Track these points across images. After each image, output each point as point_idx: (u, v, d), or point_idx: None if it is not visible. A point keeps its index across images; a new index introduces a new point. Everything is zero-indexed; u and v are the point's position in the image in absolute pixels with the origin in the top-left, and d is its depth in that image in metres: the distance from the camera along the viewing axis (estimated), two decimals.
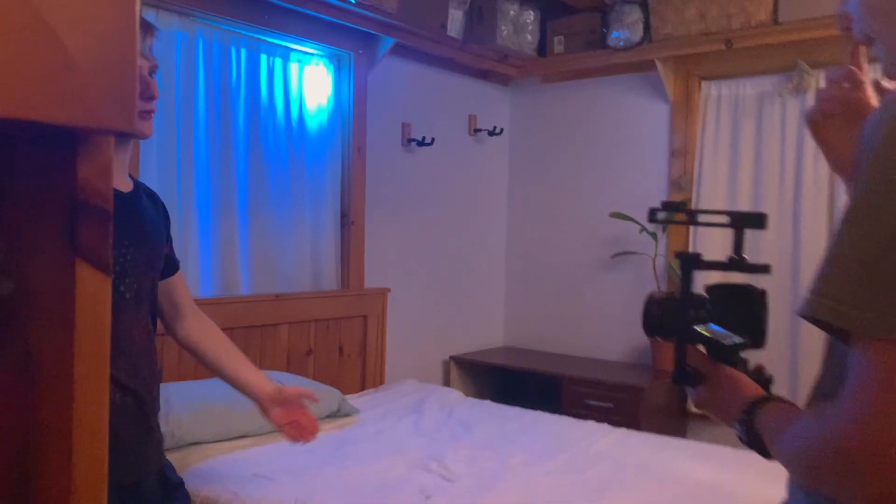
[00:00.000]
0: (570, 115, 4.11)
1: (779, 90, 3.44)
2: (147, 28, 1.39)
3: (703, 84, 3.67)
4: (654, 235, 3.67)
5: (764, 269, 0.92)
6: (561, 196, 4.12)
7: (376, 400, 3.09)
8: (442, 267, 3.92)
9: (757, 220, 0.89)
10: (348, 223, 3.42)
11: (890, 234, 0.62)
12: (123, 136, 1.38)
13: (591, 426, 2.85)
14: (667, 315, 0.95)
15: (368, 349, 3.42)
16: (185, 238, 2.88)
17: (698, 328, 0.92)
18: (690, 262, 0.95)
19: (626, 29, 3.63)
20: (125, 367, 1.41)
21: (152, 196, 1.61)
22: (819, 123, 0.91)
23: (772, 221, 3.47)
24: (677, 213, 0.98)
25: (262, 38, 3.13)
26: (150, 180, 2.76)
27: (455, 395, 3.22)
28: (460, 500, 2.04)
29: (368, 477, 2.18)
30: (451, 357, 3.90)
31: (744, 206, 3.55)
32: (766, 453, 0.84)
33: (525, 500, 2.07)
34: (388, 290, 3.52)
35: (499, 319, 4.33)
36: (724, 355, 0.93)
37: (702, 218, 0.96)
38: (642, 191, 3.84)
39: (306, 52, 3.31)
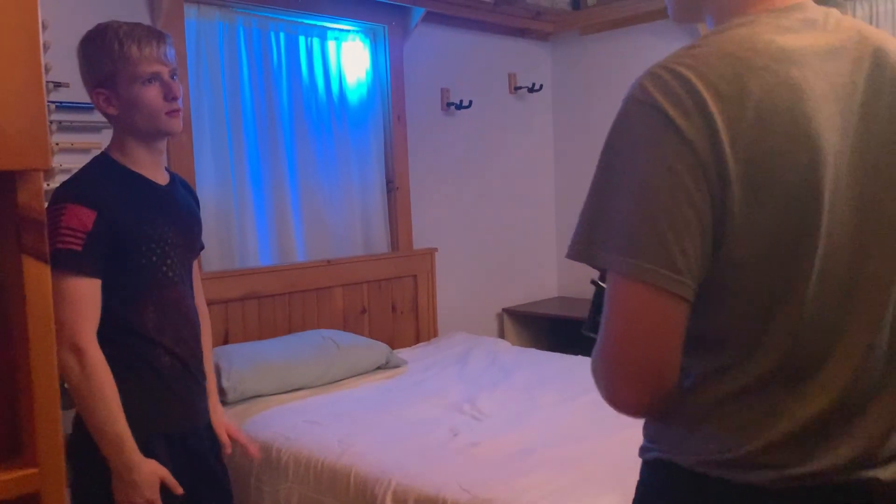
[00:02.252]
0: (610, 65, 4.15)
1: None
2: (160, 37, 1.57)
3: None
4: None
5: None
6: None
7: (426, 352, 3.32)
8: (491, 223, 4.09)
9: None
10: (394, 189, 3.63)
11: (600, 191, 0.79)
12: (155, 136, 1.61)
13: None
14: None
15: (420, 306, 3.65)
16: (242, 213, 3.16)
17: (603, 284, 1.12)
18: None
19: None
20: (171, 335, 1.61)
21: (187, 186, 1.81)
22: None
23: None
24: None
25: (299, 20, 3.34)
26: (206, 164, 3.05)
27: (502, 345, 3.41)
28: (484, 435, 2.24)
29: (406, 419, 2.41)
30: (504, 309, 4.09)
31: None
32: None
33: (546, 434, 2.26)
34: (436, 249, 3.72)
35: (552, 271, 4.47)
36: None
37: None
38: None
39: (342, 30, 3.50)
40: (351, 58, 3.53)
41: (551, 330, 4.20)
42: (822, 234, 0.79)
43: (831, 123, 0.79)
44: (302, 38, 3.37)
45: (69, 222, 1.46)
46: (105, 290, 1.52)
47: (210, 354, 1.82)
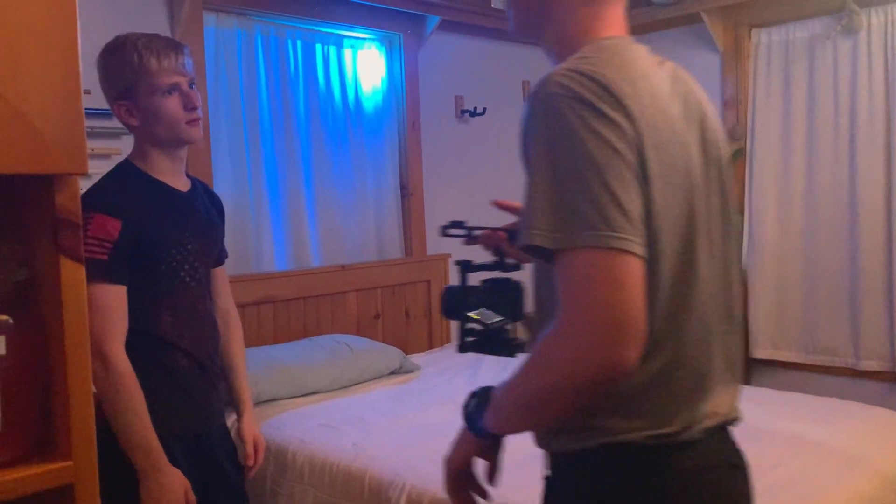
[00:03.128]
0: None
1: (829, 32, 3.39)
2: (178, 48, 1.61)
3: (753, 32, 3.66)
4: None
5: (516, 266, 1.30)
6: None
7: (439, 357, 3.34)
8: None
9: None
10: (408, 195, 3.65)
11: (551, 182, 0.87)
12: (176, 145, 1.65)
13: None
14: (449, 302, 1.32)
15: (433, 312, 3.67)
16: (258, 218, 3.20)
17: (472, 312, 1.26)
18: (465, 266, 1.44)
19: None
20: (190, 338, 1.64)
21: (209, 192, 1.84)
22: None
23: (828, 163, 3.45)
24: (457, 228, 1.39)
25: (316, 28, 3.37)
26: (223, 169, 3.09)
27: None
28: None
29: (419, 423, 2.43)
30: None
31: (799, 150, 3.54)
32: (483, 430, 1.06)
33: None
34: (449, 255, 3.74)
35: None
36: (491, 332, 1.29)
37: (479, 231, 1.35)
38: None
39: (358, 38, 3.53)
40: (366, 65, 3.56)
41: None
42: (699, 214, 0.95)
43: (684, 124, 0.97)
44: (318, 46, 3.40)
45: (96, 232, 1.49)
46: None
47: (243, 358, 1.86)
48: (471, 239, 1.35)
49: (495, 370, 3.10)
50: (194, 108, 1.61)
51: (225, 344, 1.83)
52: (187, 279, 1.65)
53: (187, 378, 1.65)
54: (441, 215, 3.78)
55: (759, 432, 2.22)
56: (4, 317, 0.68)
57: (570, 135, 0.86)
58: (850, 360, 3.43)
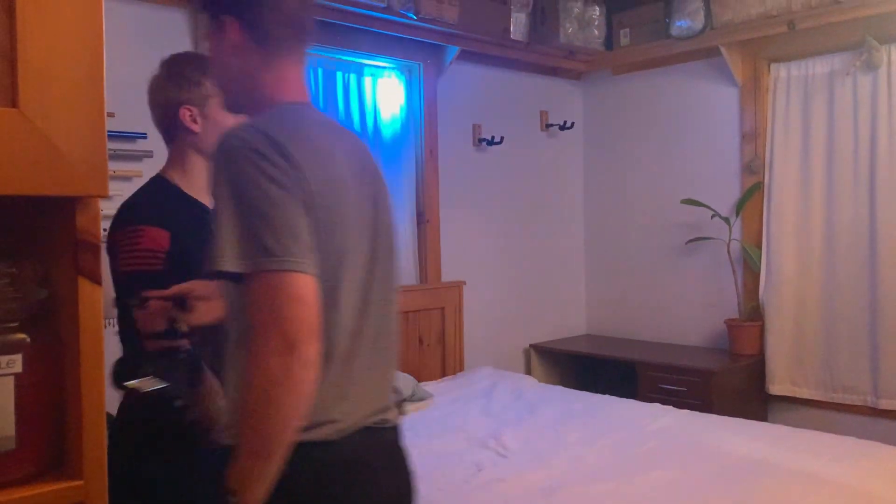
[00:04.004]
0: (641, 104, 4.18)
1: (848, 68, 3.40)
2: None
3: (772, 66, 3.67)
4: (727, 220, 3.71)
5: (185, 335, 1.35)
6: (636, 184, 4.20)
7: (452, 386, 3.32)
8: (520, 258, 4.10)
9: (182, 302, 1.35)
10: (424, 221, 3.67)
11: (235, 216, 1.05)
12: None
13: (654, 408, 2.97)
14: (116, 373, 1.30)
15: (447, 339, 3.66)
16: None
17: (132, 382, 1.28)
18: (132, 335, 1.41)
19: (687, 18, 3.67)
20: (216, 358, 1.65)
21: None
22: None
23: (847, 197, 3.43)
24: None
25: (337, 56, 3.42)
26: None
27: (527, 381, 3.41)
28: (509, 471, 2.24)
29: (430, 452, 2.41)
30: (532, 345, 4.09)
31: (818, 185, 3.52)
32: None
33: (570, 473, 2.24)
34: (464, 282, 3.74)
35: (581, 308, 4.46)
36: (154, 402, 1.30)
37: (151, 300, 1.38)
38: (715, 176, 3.87)
39: (378, 66, 3.57)
40: (386, 93, 3.60)
41: (578, 367, 4.18)
42: (349, 248, 1.15)
43: (356, 181, 1.20)
44: (339, 74, 3.45)
45: (148, 244, 1.47)
46: None
47: None
48: (141, 306, 1.36)
49: (508, 400, 3.09)
50: None
51: None
52: None
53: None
54: (456, 243, 3.79)
55: (776, 470, 2.19)
56: (22, 335, 0.69)
57: (247, 177, 1.07)
58: (868, 399, 3.38)
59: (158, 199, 1.59)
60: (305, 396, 1.05)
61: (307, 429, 1.09)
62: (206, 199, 1.60)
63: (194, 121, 1.58)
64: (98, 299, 0.70)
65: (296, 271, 1.04)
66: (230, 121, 1.49)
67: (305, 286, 1.04)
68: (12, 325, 0.69)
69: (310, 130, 1.19)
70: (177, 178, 1.62)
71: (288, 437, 1.06)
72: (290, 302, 1.03)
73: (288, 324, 1.02)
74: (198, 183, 1.62)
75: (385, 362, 1.25)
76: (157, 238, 1.47)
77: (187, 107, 1.58)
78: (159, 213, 1.53)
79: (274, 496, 1.08)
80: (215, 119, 1.57)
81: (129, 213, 1.54)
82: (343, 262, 1.14)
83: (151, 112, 1.65)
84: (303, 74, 1.29)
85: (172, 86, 1.60)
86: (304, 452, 1.09)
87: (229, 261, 1.05)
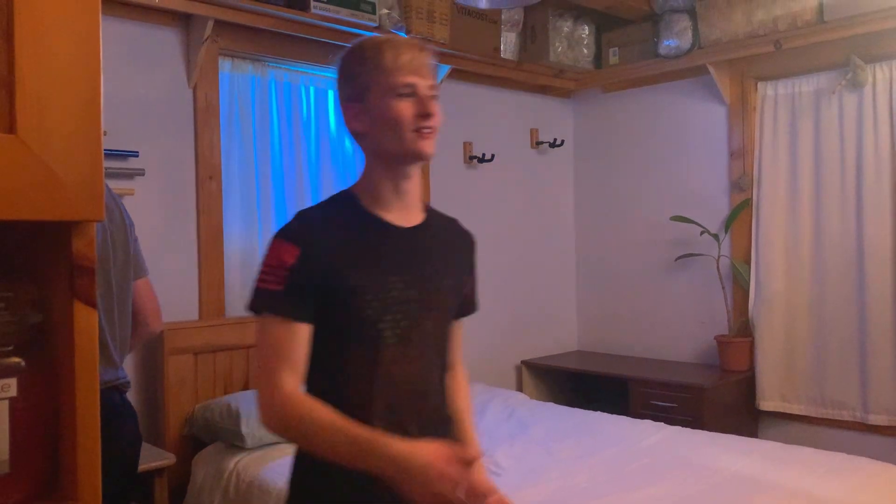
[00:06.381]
0: (630, 122, 4.22)
1: (834, 86, 3.44)
2: (422, 47, 1.37)
3: (759, 84, 3.71)
4: (716, 237, 3.73)
5: None
6: (625, 201, 4.23)
7: None
8: (511, 276, 4.11)
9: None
10: None
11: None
12: (401, 160, 1.33)
13: (646, 424, 2.97)
14: None
15: None
16: None
17: None
18: None
19: (675, 37, 3.72)
20: (383, 404, 1.30)
21: (450, 228, 1.50)
22: None
23: (834, 216, 3.47)
24: None
25: (329, 75, 3.44)
26: (233, 209, 3.12)
27: (519, 398, 3.41)
28: (501, 489, 2.22)
29: None
30: (523, 362, 4.09)
31: (805, 202, 3.56)
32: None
33: (563, 490, 2.24)
34: None
35: (572, 324, 4.47)
36: None
37: None
38: (704, 193, 3.90)
39: None
40: None
41: (570, 384, 4.18)
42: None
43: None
44: (331, 92, 3.46)
45: (269, 260, 1.28)
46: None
47: (469, 412, 1.51)
48: None
49: (500, 417, 3.09)
50: (427, 117, 1.31)
51: (448, 402, 1.48)
52: (385, 332, 1.31)
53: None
54: None
55: (767, 486, 2.20)
56: (17, 359, 0.70)
57: None
58: (858, 414, 3.39)
59: (318, 212, 1.36)
60: None
61: None
62: (393, 215, 1.36)
63: (358, 119, 1.34)
64: (93, 323, 0.70)
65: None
66: (397, 107, 1.30)
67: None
68: (7, 348, 0.69)
69: None
70: (359, 192, 1.38)
71: None
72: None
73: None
74: (380, 194, 1.36)
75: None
76: (282, 254, 1.26)
77: (347, 104, 1.36)
78: (301, 227, 1.31)
79: None
80: (377, 109, 1.31)
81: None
82: None
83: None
84: None
85: (338, 83, 1.39)
86: None
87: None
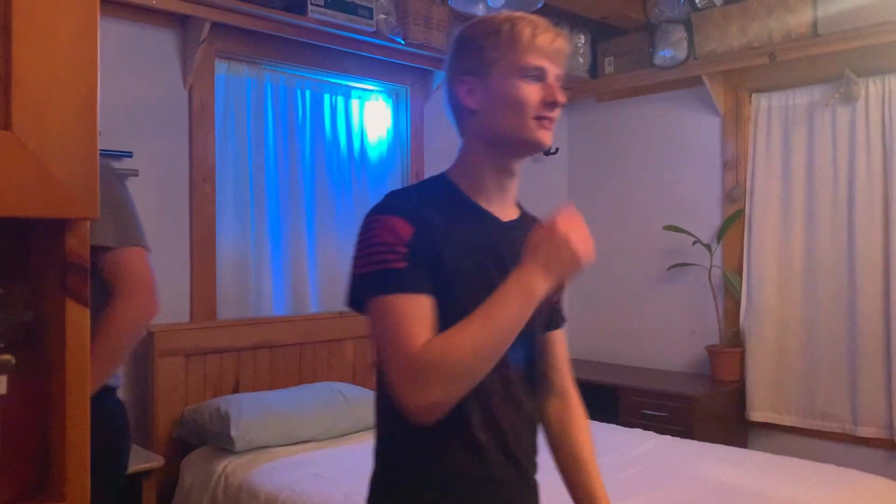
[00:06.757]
0: (624, 131, 4.23)
1: (827, 99, 3.46)
2: (561, 33, 1.25)
3: (753, 96, 3.73)
4: (708, 247, 3.74)
5: None
6: (619, 210, 4.24)
7: None
8: None
9: None
10: None
11: None
12: (511, 149, 1.23)
13: (635, 433, 2.97)
14: None
15: None
16: (259, 263, 3.21)
17: None
18: None
19: (670, 47, 3.74)
20: (482, 417, 1.19)
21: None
22: None
23: (826, 226, 3.48)
24: None
25: (325, 79, 3.44)
26: (227, 211, 3.12)
27: None
28: None
29: None
30: None
31: (798, 214, 3.58)
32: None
33: (552, 499, 2.23)
34: None
35: (566, 332, 4.46)
36: None
37: None
38: (697, 203, 3.91)
39: (366, 89, 3.60)
40: (373, 116, 3.62)
41: None
42: None
43: None
44: (327, 96, 3.47)
45: (384, 237, 1.12)
46: None
47: (592, 451, 1.40)
48: None
49: None
50: (553, 105, 1.20)
51: (562, 434, 1.40)
52: None
53: (494, 464, 1.23)
54: None
55: (756, 497, 2.20)
56: (7, 356, 0.69)
57: None
58: (847, 426, 3.40)
59: (420, 194, 1.25)
60: None
61: None
62: (493, 206, 1.25)
63: (472, 94, 1.21)
64: (86, 322, 0.69)
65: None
66: (522, 88, 1.19)
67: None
68: None
69: None
70: (457, 178, 1.26)
71: None
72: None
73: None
74: (480, 182, 1.25)
75: None
76: (397, 229, 1.12)
77: (463, 78, 1.22)
78: (409, 207, 1.17)
79: None
80: (498, 88, 1.19)
81: (373, 209, 1.19)
82: None
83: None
84: None
85: (452, 57, 1.26)
86: None
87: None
